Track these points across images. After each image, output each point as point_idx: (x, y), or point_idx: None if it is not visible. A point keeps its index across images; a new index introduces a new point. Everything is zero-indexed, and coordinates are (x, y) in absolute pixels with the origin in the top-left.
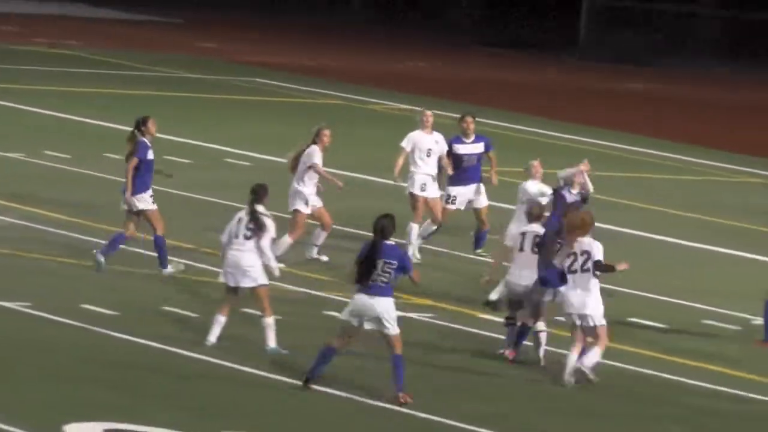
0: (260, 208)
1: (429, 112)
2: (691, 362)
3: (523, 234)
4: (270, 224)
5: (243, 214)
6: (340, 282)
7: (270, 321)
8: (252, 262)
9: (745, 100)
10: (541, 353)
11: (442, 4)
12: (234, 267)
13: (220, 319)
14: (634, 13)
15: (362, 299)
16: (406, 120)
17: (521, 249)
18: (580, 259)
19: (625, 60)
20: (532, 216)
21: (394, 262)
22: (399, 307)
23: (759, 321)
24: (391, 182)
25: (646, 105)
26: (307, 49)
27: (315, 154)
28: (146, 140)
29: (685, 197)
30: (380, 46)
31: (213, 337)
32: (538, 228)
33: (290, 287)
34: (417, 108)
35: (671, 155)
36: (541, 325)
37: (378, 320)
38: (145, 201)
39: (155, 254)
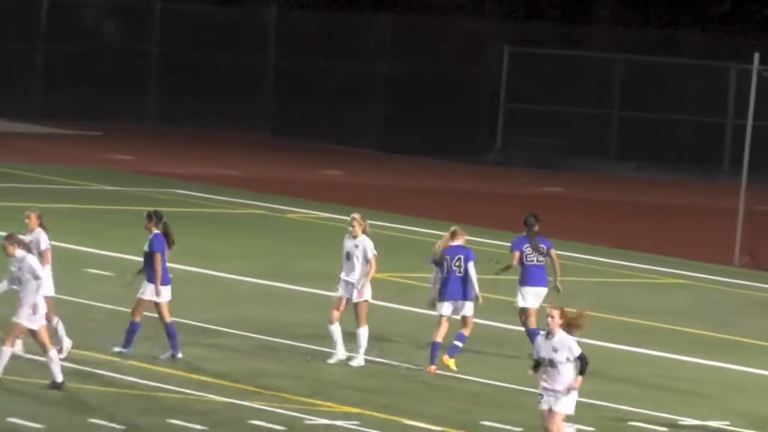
0: None
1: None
2: None
3: None
4: None
5: None
6: None
7: None
8: None
9: (656, 202)
10: None
11: (352, 113)
12: None
13: None
14: (544, 117)
15: None
16: (324, 228)
17: None
18: None
19: (539, 164)
20: None
21: None
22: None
23: (687, 421)
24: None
25: (561, 208)
26: (223, 160)
27: None
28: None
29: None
30: (293, 155)
31: None
32: None
33: None
34: (335, 216)
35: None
36: None
37: None
38: None
39: None
